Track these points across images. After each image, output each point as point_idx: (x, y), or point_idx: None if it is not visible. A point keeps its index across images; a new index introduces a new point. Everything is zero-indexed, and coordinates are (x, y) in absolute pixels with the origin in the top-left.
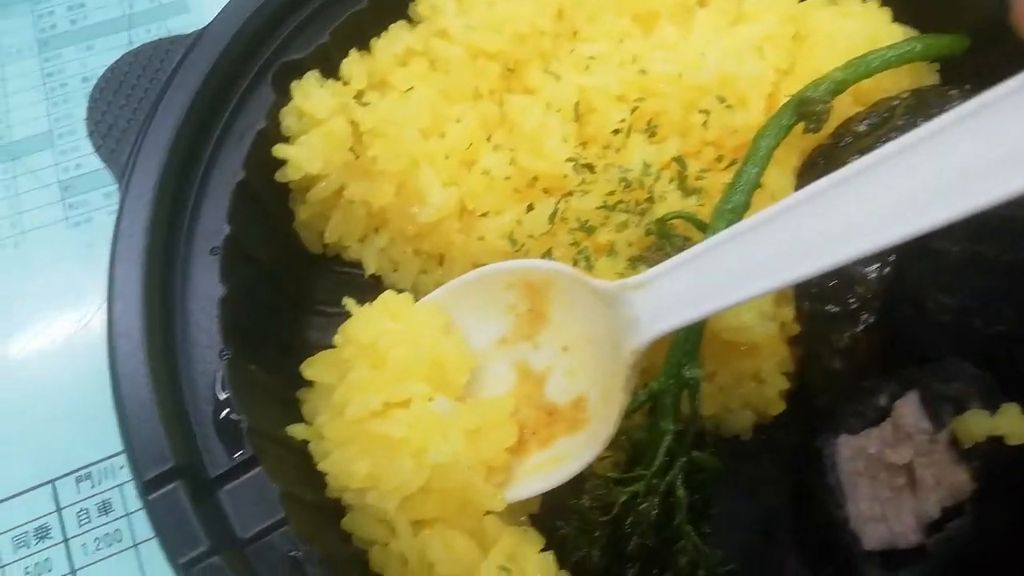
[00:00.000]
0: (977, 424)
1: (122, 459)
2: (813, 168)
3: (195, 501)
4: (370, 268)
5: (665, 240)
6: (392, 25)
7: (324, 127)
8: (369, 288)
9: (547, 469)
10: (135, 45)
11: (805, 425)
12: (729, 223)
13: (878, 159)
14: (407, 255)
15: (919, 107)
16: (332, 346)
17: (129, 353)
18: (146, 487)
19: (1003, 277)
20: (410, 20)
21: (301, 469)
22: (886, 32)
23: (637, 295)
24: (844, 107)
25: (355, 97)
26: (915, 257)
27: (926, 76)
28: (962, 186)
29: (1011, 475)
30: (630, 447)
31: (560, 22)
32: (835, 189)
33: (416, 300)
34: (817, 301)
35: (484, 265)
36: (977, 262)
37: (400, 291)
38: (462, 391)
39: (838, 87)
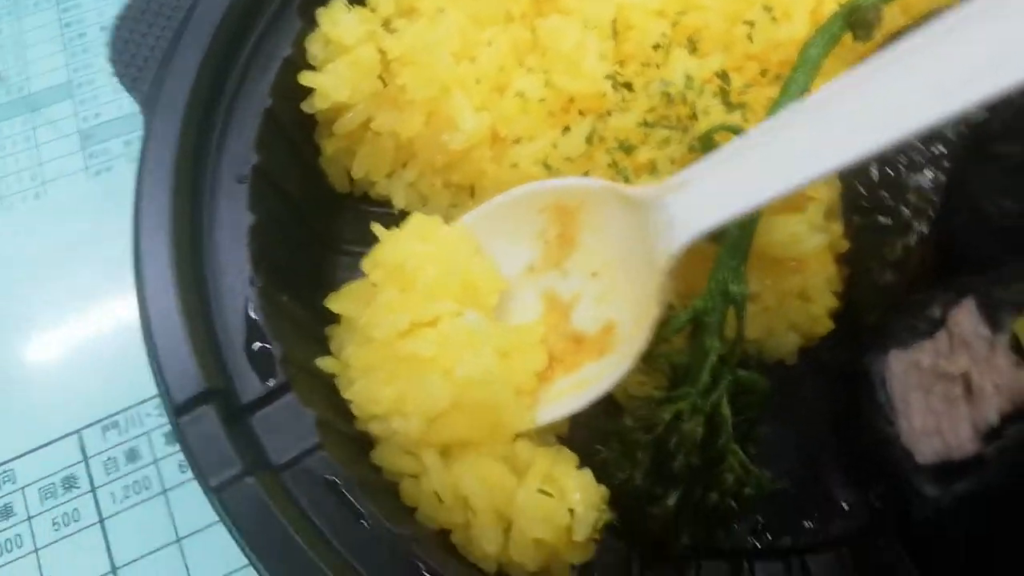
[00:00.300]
0: None
1: (149, 407)
2: None
3: (228, 425)
4: (399, 203)
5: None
6: None
7: (352, 54)
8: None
9: (576, 392)
10: None
11: (853, 346)
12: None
13: (937, 32)
14: (436, 188)
15: None
16: None
17: (157, 282)
18: (177, 411)
19: None
20: None
21: (332, 400)
22: None
23: (674, 197)
24: (892, 19)
25: (383, 24)
26: (974, 163)
27: None
28: None
29: None
30: (671, 371)
31: None
32: (887, 67)
33: None
34: (867, 214)
35: None
36: None
37: None
38: (492, 314)
39: None
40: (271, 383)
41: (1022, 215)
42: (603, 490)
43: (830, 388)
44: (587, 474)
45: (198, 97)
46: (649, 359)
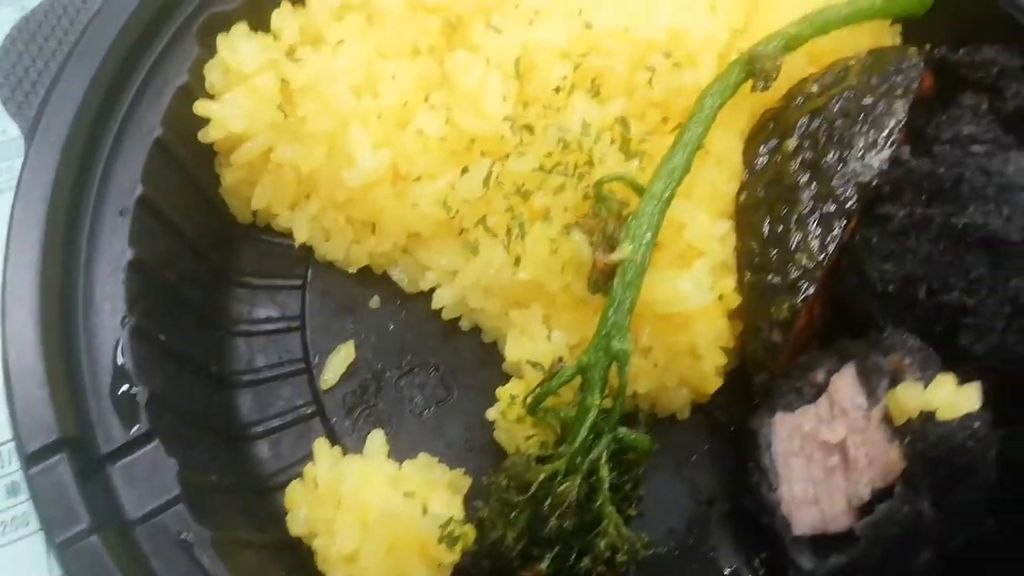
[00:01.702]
0: (909, 397)
1: None
2: (762, 131)
3: (81, 476)
4: (300, 237)
5: (602, 204)
6: None
7: (250, 83)
8: (299, 260)
9: None
10: None
11: (745, 404)
12: (667, 185)
13: None
14: (339, 223)
15: (875, 66)
16: (255, 319)
17: (20, 318)
18: (28, 460)
19: (950, 243)
20: None
21: (209, 449)
22: None
23: None
24: (798, 69)
25: (286, 53)
26: (862, 225)
27: (886, 37)
28: None
29: (939, 456)
30: (559, 425)
31: None
32: None
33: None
34: (758, 271)
35: (416, 234)
36: (923, 226)
37: (330, 262)
38: None
39: (790, 42)
40: (134, 431)
41: (903, 280)
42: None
43: (723, 447)
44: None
45: (81, 125)
46: (537, 413)
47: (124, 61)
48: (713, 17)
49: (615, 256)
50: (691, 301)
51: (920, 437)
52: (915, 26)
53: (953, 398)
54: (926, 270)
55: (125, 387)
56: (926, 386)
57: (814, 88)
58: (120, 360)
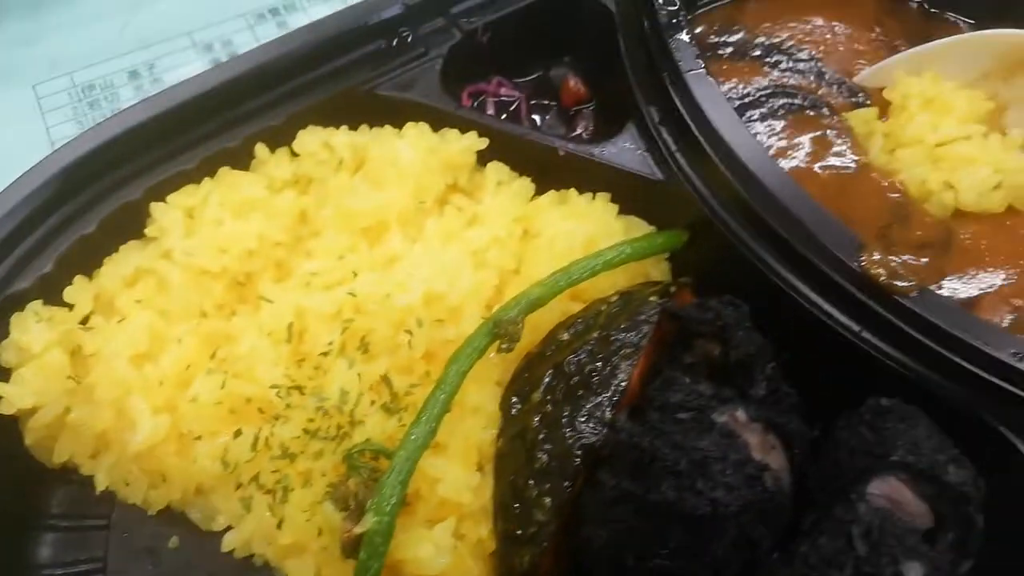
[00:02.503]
0: None
1: None
2: (518, 377)
3: None
4: (101, 484)
5: (353, 471)
6: (123, 246)
7: (39, 360)
8: (105, 500)
9: None
10: None
11: None
12: (411, 454)
13: None
14: (134, 473)
15: (621, 314)
16: (67, 562)
17: None
18: None
19: (648, 517)
20: (145, 238)
21: None
22: (607, 230)
23: None
24: (565, 304)
25: (81, 322)
26: (585, 486)
27: (652, 268)
28: None
29: None
30: None
31: (302, 226)
32: None
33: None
34: (506, 521)
35: (203, 484)
36: (626, 499)
37: (131, 504)
38: None
39: (534, 305)
40: None
41: (613, 546)
42: None
43: None
44: None
45: None
46: None
47: None
48: (478, 273)
49: (359, 528)
50: (433, 565)
51: None
52: (679, 258)
53: None
54: (630, 539)
55: None
56: None
57: (565, 336)
58: None
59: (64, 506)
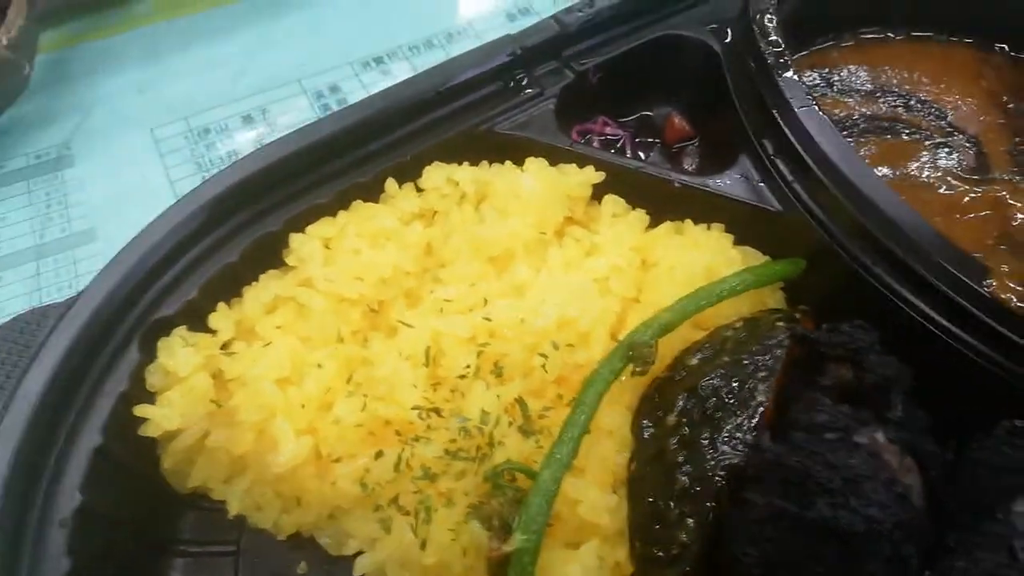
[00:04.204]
0: None
1: None
2: (649, 402)
3: None
4: (233, 509)
5: (497, 491)
6: (263, 275)
7: (185, 384)
8: (233, 526)
9: None
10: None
11: None
12: (554, 474)
13: None
14: (268, 497)
15: (749, 339)
16: None
17: None
18: None
19: (803, 534)
20: (283, 267)
21: None
22: (725, 259)
23: None
24: (686, 331)
25: (221, 347)
26: (731, 506)
27: (768, 297)
28: None
29: None
30: None
31: (428, 257)
32: None
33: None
34: (645, 543)
35: (338, 507)
36: (780, 517)
37: (261, 529)
38: None
39: (664, 329)
40: None
41: (766, 565)
42: None
43: None
44: None
45: (28, 444)
46: None
47: (70, 379)
48: (603, 299)
49: (507, 547)
50: None
51: None
52: (794, 286)
53: None
54: (784, 557)
55: None
56: None
57: (694, 360)
58: None
59: (194, 531)
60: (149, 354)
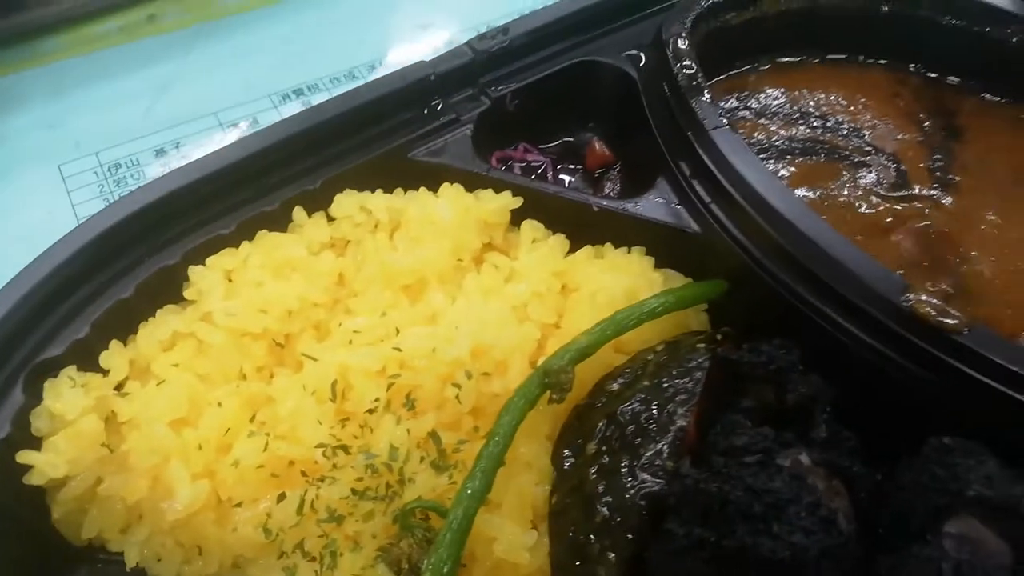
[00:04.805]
0: None
1: None
2: (569, 430)
3: None
4: (131, 560)
5: (406, 531)
6: (160, 310)
7: (73, 427)
8: None
9: None
10: None
11: None
12: (467, 509)
13: None
14: (168, 546)
15: (669, 362)
16: None
17: None
18: None
19: (724, 564)
20: (182, 302)
21: None
22: (646, 281)
23: None
24: (608, 356)
25: (116, 388)
26: (652, 537)
27: (692, 319)
28: None
29: None
30: None
31: (340, 288)
32: None
33: None
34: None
35: (242, 555)
36: (700, 547)
37: None
38: None
39: (582, 354)
40: None
41: None
42: None
43: None
44: None
45: None
46: None
47: None
48: (521, 326)
49: None
50: None
51: None
52: (718, 307)
53: None
54: None
55: None
56: None
57: (615, 386)
58: None
59: None
60: (34, 397)
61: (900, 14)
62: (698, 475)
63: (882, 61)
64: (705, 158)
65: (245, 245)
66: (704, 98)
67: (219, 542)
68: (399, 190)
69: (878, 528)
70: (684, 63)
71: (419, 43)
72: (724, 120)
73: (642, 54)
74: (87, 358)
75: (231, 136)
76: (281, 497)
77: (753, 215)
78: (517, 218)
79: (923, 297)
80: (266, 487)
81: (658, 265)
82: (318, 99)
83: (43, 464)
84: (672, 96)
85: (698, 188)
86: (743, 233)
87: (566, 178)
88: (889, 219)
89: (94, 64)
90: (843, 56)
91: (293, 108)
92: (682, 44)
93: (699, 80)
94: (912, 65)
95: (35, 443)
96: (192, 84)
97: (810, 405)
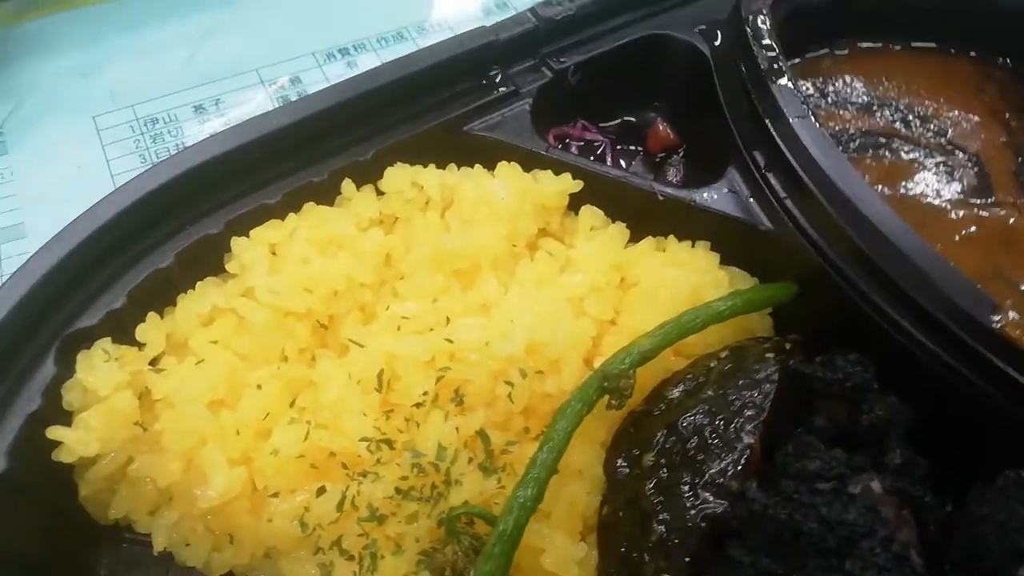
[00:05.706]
0: None
1: None
2: (624, 437)
3: None
4: (159, 544)
5: (451, 537)
6: (200, 282)
7: (106, 403)
8: (159, 563)
9: None
10: None
11: None
12: (518, 520)
13: None
14: (198, 532)
15: (735, 371)
16: None
17: None
18: None
19: None
20: (223, 274)
21: None
22: (712, 280)
23: None
24: (666, 359)
25: (150, 363)
26: (712, 561)
27: (755, 323)
28: None
29: None
30: None
31: (386, 268)
32: None
33: None
34: None
35: (275, 547)
36: None
37: (190, 568)
38: None
39: (643, 358)
40: None
41: None
42: None
43: None
44: None
45: None
46: None
47: None
48: (577, 322)
49: None
50: None
51: None
52: (783, 311)
53: None
54: None
55: None
56: None
57: (675, 393)
58: None
59: (115, 568)
60: (67, 369)
61: (993, 1)
62: (767, 500)
63: (971, 53)
64: (784, 149)
65: (291, 217)
66: (785, 82)
67: (252, 532)
68: (452, 166)
69: (946, 564)
70: (764, 43)
71: (469, 3)
72: (807, 109)
73: (717, 31)
74: (122, 330)
75: (273, 94)
76: (321, 490)
77: (833, 214)
78: (575, 203)
79: (1012, 316)
80: (305, 478)
81: (724, 262)
82: (363, 59)
83: (73, 441)
84: (750, 79)
85: (773, 181)
86: (819, 233)
87: (625, 161)
88: (972, 227)
89: (131, 10)
90: (928, 44)
91: (337, 68)
92: (763, 23)
93: (780, 63)
94: (1001, 59)
95: (65, 417)
96: (232, 37)
97: (885, 428)
